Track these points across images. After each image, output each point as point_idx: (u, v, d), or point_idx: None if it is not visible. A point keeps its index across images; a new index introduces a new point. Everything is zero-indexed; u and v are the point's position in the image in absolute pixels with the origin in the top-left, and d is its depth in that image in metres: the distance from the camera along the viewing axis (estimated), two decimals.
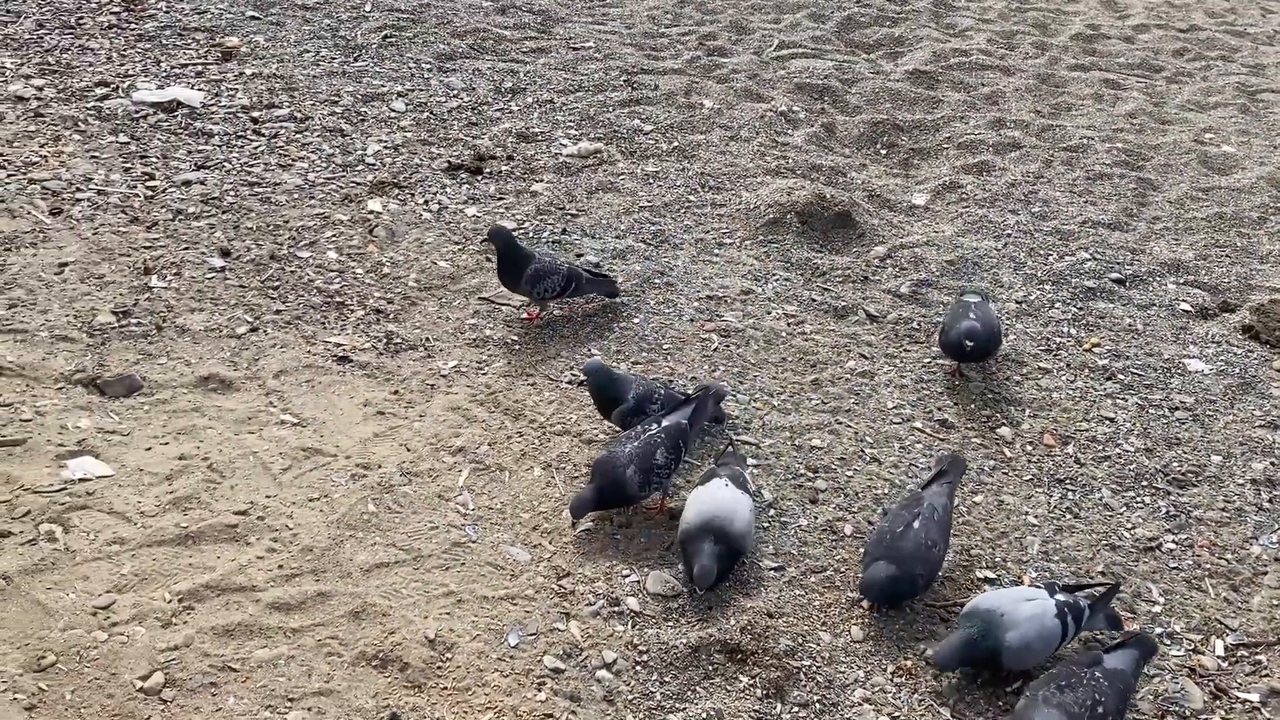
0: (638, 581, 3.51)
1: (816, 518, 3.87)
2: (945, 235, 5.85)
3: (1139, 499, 4.17)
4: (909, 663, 3.34)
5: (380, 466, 3.80)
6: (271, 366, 4.27)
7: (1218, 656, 3.53)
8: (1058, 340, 5.08)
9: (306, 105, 6.40)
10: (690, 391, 4.18)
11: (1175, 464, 4.35)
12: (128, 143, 5.80)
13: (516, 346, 4.61)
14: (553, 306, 4.82)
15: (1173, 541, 3.98)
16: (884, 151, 6.87)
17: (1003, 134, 7.07)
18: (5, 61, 6.45)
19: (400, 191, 5.61)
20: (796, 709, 3.15)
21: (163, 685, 2.93)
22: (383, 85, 6.74)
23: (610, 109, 6.82)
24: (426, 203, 5.54)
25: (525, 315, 4.78)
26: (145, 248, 4.94)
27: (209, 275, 4.80)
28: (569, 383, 4.42)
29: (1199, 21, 9.72)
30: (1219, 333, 5.26)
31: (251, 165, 5.73)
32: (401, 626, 3.19)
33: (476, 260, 5.12)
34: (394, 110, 6.46)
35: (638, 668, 3.21)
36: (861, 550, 3.66)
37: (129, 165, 5.60)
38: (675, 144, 6.51)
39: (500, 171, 5.95)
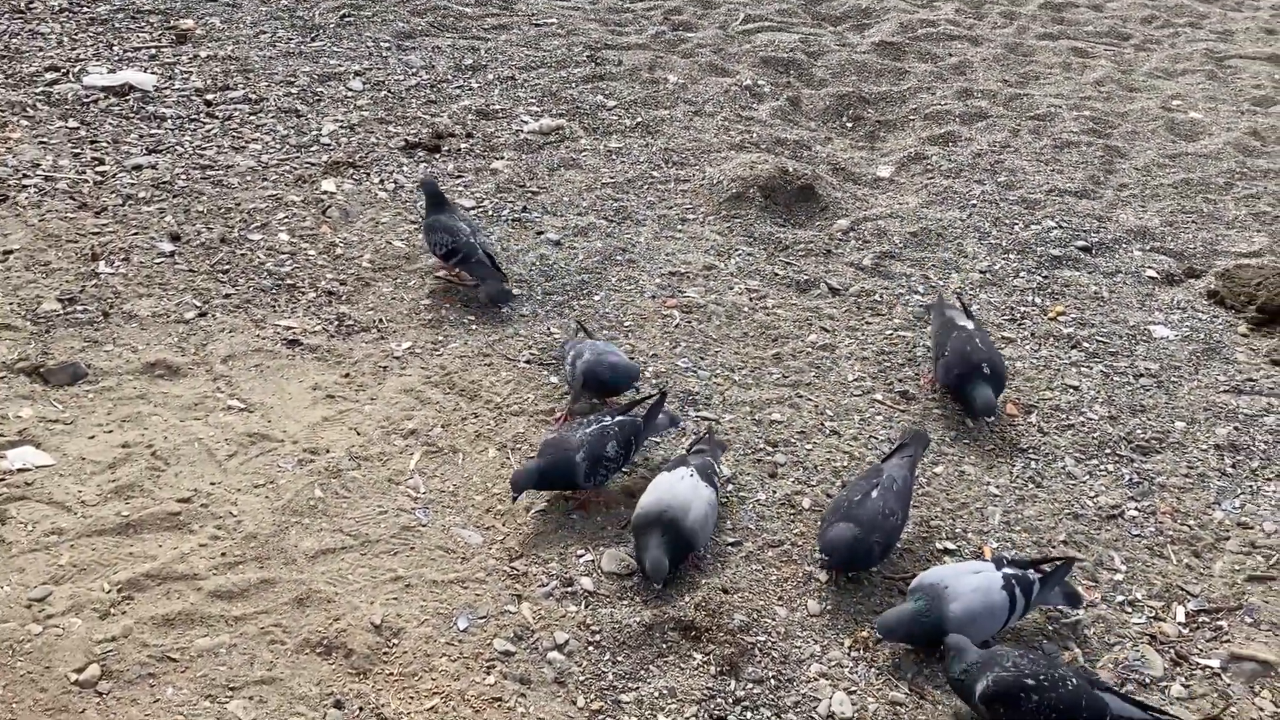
0: (592, 561, 3.46)
1: (775, 492, 3.82)
2: (910, 207, 5.79)
3: (1102, 467, 4.13)
4: (865, 634, 3.30)
5: (329, 451, 3.72)
6: (220, 351, 4.18)
7: (1179, 623, 3.50)
8: (1022, 309, 5.03)
9: (261, 87, 6.28)
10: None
11: (1139, 431, 4.31)
12: (77, 128, 5.68)
13: (474, 326, 4.53)
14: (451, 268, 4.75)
15: (1135, 509, 3.94)
16: (850, 124, 6.79)
17: (969, 104, 7.00)
18: None
19: (355, 171, 5.52)
20: (751, 685, 3.10)
21: (99, 677, 2.86)
22: (340, 65, 6.63)
23: (573, 85, 6.72)
24: (382, 182, 5.45)
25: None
26: (94, 234, 4.84)
27: (158, 260, 4.70)
28: (527, 362, 4.35)
29: None
30: (1184, 299, 5.23)
31: (204, 148, 5.62)
32: (347, 613, 3.12)
33: None
34: (351, 90, 6.35)
35: (590, 648, 3.16)
36: (819, 523, 3.61)
37: (78, 150, 5.48)
38: (639, 119, 6.42)
39: (459, 149, 5.86)
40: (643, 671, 3.11)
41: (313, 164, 5.54)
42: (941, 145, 6.50)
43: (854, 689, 3.14)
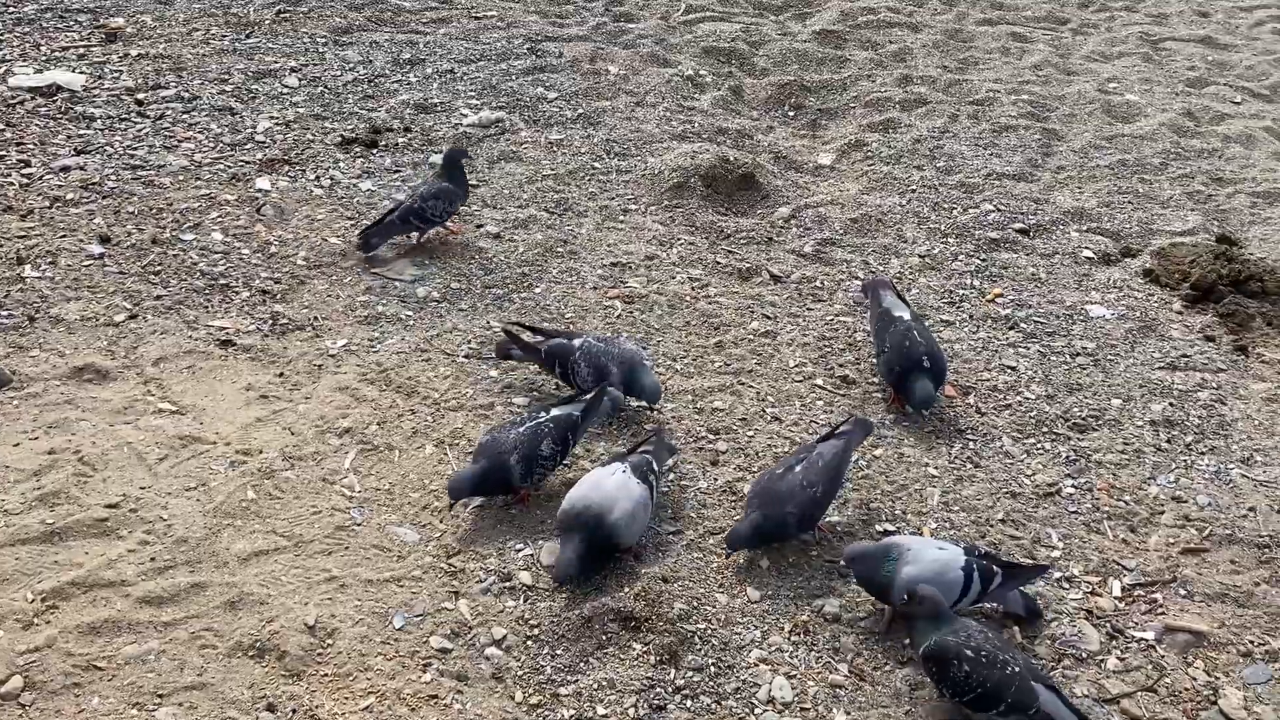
0: (531, 555, 3.43)
1: (716, 479, 3.81)
2: (850, 194, 5.81)
3: (1039, 445, 4.17)
4: (805, 618, 3.30)
5: (261, 452, 3.66)
6: (150, 354, 4.10)
7: (1114, 597, 3.54)
8: (961, 293, 5.07)
9: (195, 85, 6.17)
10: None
11: (1076, 409, 4.36)
12: (2, 129, 5.55)
13: (411, 322, 4.48)
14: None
15: (1072, 486, 3.98)
16: (792, 113, 6.81)
17: (909, 91, 7.04)
18: None
19: (291, 168, 5.44)
20: (690, 673, 3.09)
21: (21, 689, 2.79)
22: (275, 61, 6.53)
23: (513, 77, 6.68)
24: (318, 178, 5.38)
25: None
26: (19, 237, 4.72)
27: (87, 263, 4.60)
28: (465, 356, 4.31)
29: None
30: (1120, 278, 5.29)
31: (135, 148, 5.51)
32: (280, 615, 3.07)
33: None
34: (287, 86, 6.26)
35: (529, 642, 3.13)
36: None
37: (3, 153, 5.36)
38: (580, 111, 6.39)
39: (397, 144, 5.79)
40: (582, 664, 3.09)
41: (247, 162, 5.45)
42: (882, 132, 6.53)
43: (794, 673, 3.14)
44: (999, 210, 5.76)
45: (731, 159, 5.74)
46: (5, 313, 4.24)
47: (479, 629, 3.15)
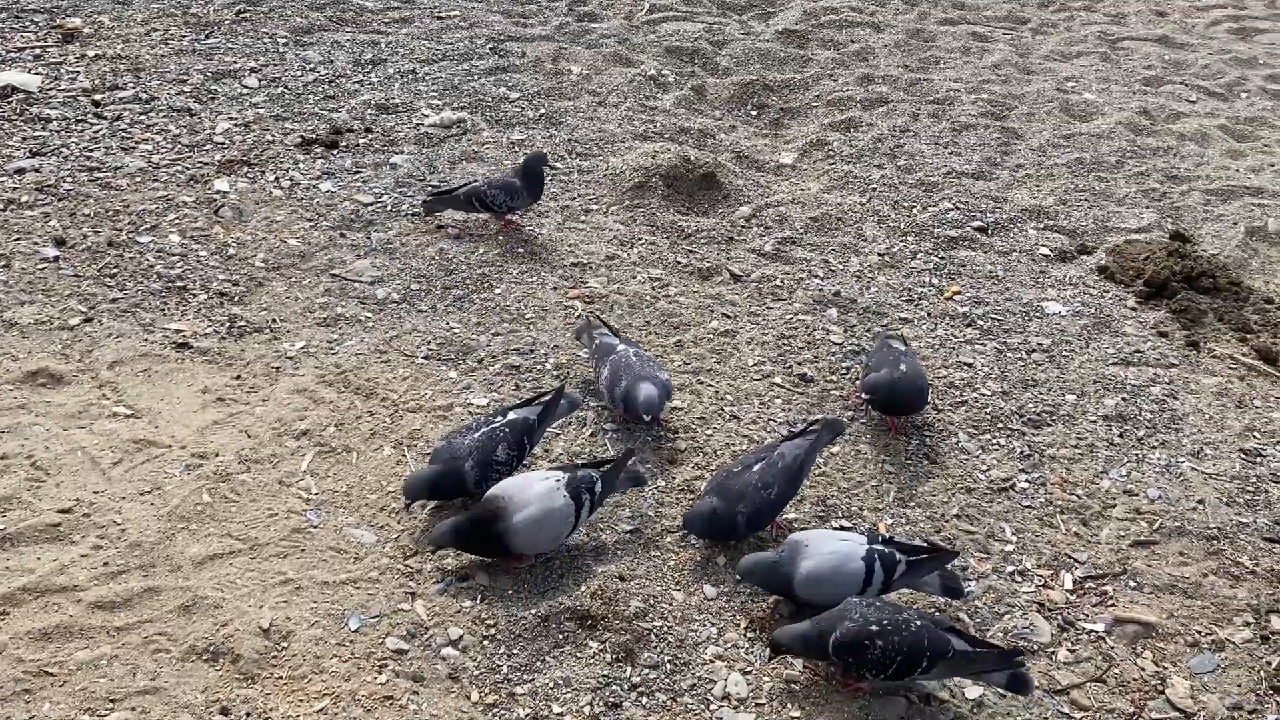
0: None
1: (675, 478, 3.83)
2: (811, 193, 5.85)
3: (994, 441, 4.22)
4: (761, 615, 3.33)
5: (217, 455, 3.65)
6: (106, 357, 4.07)
7: (1066, 590, 3.59)
8: (919, 290, 5.12)
9: (153, 85, 6.12)
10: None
11: (1031, 405, 4.41)
12: None
13: (370, 324, 4.47)
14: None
15: (1026, 481, 4.03)
16: (754, 112, 6.85)
17: (871, 90, 7.10)
18: None
19: (250, 169, 5.41)
20: (647, 670, 3.11)
21: None
22: (235, 62, 6.49)
23: (475, 77, 6.67)
24: (277, 179, 5.35)
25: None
26: None
27: (41, 266, 4.56)
28: (425, 357, 4.31)
29: None
30: (1076, 275, 5.36)
31: (91, 150, 5.46)
32: (235, 618, 3.06)
33: (329, 236, 4.96)
34: (246, 87, 6.22)
35: (485, 642, 3.14)
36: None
37: None
38: (542, 111, 6.40)
39: (358, 145, 5.78)
40: (538, 663, 3.10)
41: (205, 163, 5.41)
42: (843, 131, 6.58)
43: (749, 670, 3.17)
44: (958, 209, 5.82)
45: (692, 158, 5.76)
46: None
47: (435, 630, 3.15)
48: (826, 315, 4.83)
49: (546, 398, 3.79)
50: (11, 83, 5.93)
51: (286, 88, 6.26)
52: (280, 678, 2.94)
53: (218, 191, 5.19)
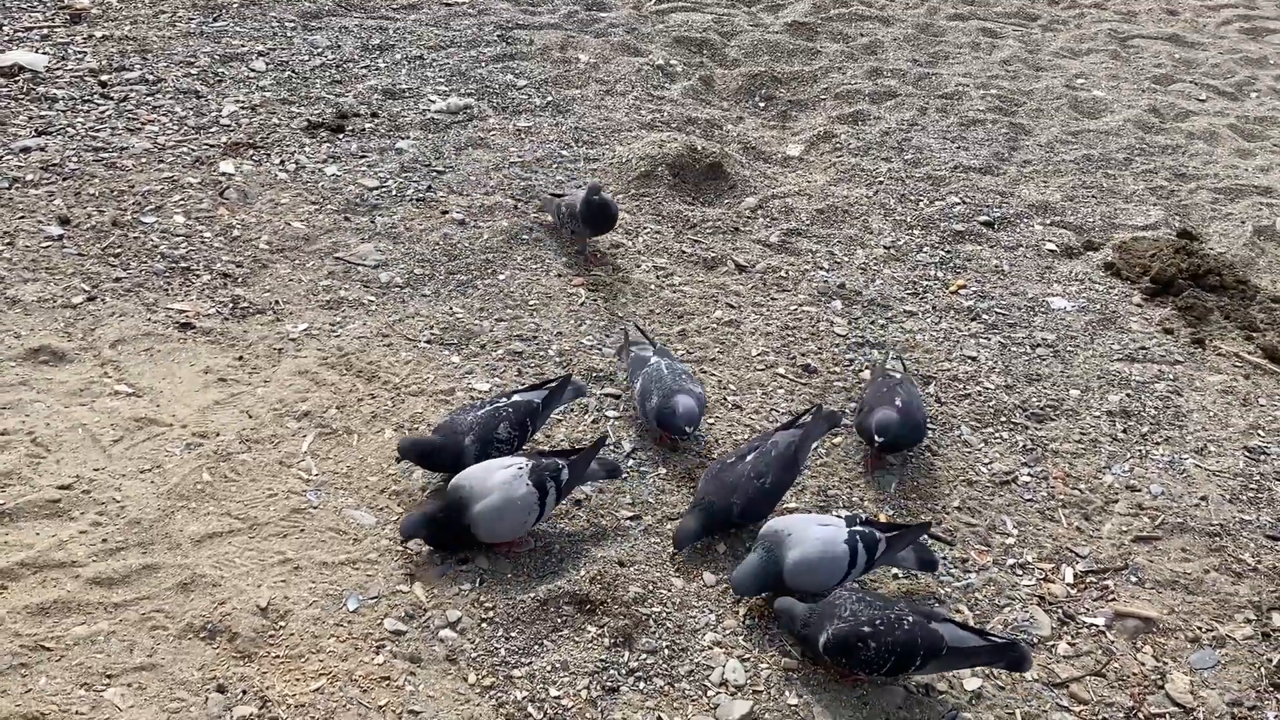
0: None
1: (675, 466, 3.82)
2: (818, 185, 5.83)
3: (997, 434, 4.21)
4: (759, 602, 3.32)
5: (218, 435, 3.64)
6: (108, 336, 4.07)
7: (1067, 584, 3.58)
8: (925, 284, 5.10)
9: (160, 67, 6.11)
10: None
11: (1034, 399, 4.40)
12: None
13: (373, 307, 4.46)
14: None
15: (1028, 474, 4.02)
16: (762, 104, 6.82)
17: (879, 83, 7.07)
18: None
19: (256, 152, 5.40)
20: (644, 656, 3.10)
21: None
22: (243, 45, 6.47)
23: (483, 64, 6.65)
24: (283, 163, 5.34)
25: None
26: None
27: (45, 244, 4.55)
28: (428, 342, 4.30)
29: None
30: (1082, 271, 5.34)
31: (97, 130, 5.45)
32: (232, 596, 3.06)
33: (334, 220, 4.95)
34: (253, 70, 6.21)
35: (484, 625, 3.13)
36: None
37: None
38: (549, 99, 6.38)
39: (364, 129, 5.76)
40: (536, 646, 3.10)
41: (211, 145, 5.40)
42: (851, 124, 6.55)
43: (747, 656, 3.16)
44: (964, 203, 5.80)
45: (699, 148, 5.75)
46: None
47: (434, 611, 3.15)
48: (831, 307, 4.82)
49: (553, 383, 3.78)
50: (19, 62, 5.92)
51: (294, 72, 6.24)
52: (277, 657, 2.94)
53: (223, 173, 5.18)
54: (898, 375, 4.11)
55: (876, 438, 3.71)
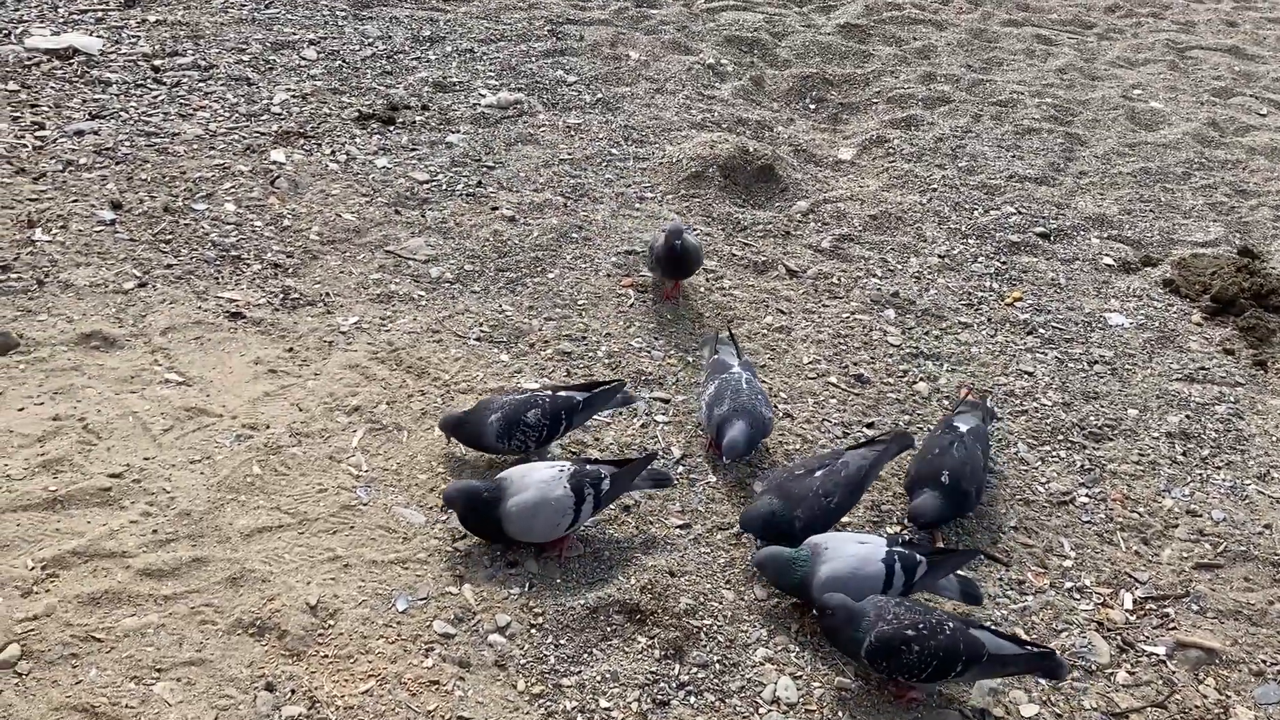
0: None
1: (725, 474, 3.76)
2: (870, 190, 5.74)
3: (1054, 453, 4.12)
4: (812, 618, 3.25)
5: (269, 427, 3.61)
6: (159, 323, 4.05)
7: (1126, 610, 3.49)
8: (979, 295, 5.01)
9: (212, 53, 6.11)
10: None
11: (1092, 418, 4.31)
12: (17, 90, 5.48)
13: (423, 302, 4.43)
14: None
15: (1086, 495, 3.93)
16: (813, 106, 6.74)
17: (933, 88, 6.97)
18: None
19: (306, 142, 5.38)
20: (695, 670, 3.05)
21: (19, 657, 2.74)
22: (294, 33, 6.46)
23: (533, 59, 6.61)
24: (334, 153, 5.32)
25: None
26: (31, 200, 4.67)
27: (98, 229, 4.55)
28: (477, 339, 4.26)
29: None
30: (1140, 287, 5.23)
31: (150, 115, 5.45)
32: (282, 593, 3.03)
33: (384, 213, 4.92)
34: (304, 59, 6.19)
35: (533, 631, 3.09)
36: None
37: (18, 114, 5.29)
38: (599, 96, 6.33)
39: (414, 122, 5.73)
40: (586, 655, 3.05)
41: (262, 133, 5.39)
42: (904, 129, 6.46)
43: (800, 674, 3.10)
44: (1020, 213, 5.70)
45: (751, 150, 5.67)
46: (14, 275, 4.19)
47: (483, 615, 3.10)
48: (884, 316, 4.74)
49: (605, 386, 3.73)
50: (74, 44, 5.93)
51: (344, 61, 6.22)
52: (326, 656, 2.90)
53: (274, 162, 5.16)
54: (962, 429, 3.75)
55: (912, 522, 3.60)
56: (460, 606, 3.12)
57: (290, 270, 4.47)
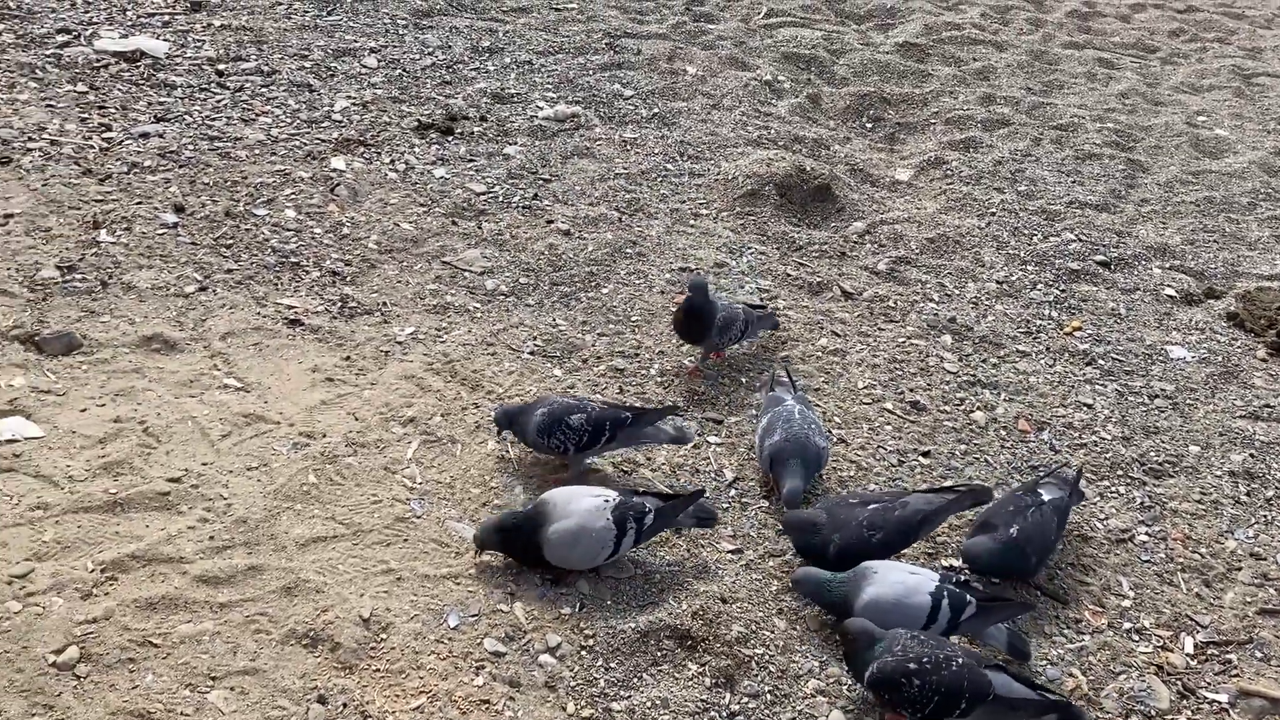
0: None
1: (778, 499, 3.72)
2: (928, 212, 5.69)
3: (1114, 488, 4.04)
4: None
5: (325, 436, 3.63)
6: (219, 328, 4.09)
7: (1186, 654, 3.41)
8: (1038, 323, 4.94)
9: (275, 59, 6.18)
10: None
11: (1153, 453, 4.22)
12: (86, 92, 5.58)
13: (478, 315, 4.44)
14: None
15: (1146, 533, 3.85)
16: (870, 125, 6.69)
17: (992, 110, 6.89)
18: None
19: (366, 150, 5.42)
20: (746, 699, 3.02)
21: (77, 660, 2.77)
22: (355, 41, 6.52)
23: (590, 72, 6.62)
24: (393, 162, 5.35)
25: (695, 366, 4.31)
26: (96, 201, 4.74)
27: (160, 231, 4.61)
28: (531, 353, 4.26)
29: (1197, 2, 9.53)
30: (1203, 319, 5.13)
31: (213, 119, 5.52)
32: (335, 604, 3.04)
33: (441, 223, 4.94)
34: (365, 66, 6.25)
35: (583, 652, 3.07)
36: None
37: (85, 115, 5.38)
38: (655, 110, 6.32)
39: (472, 133, 5.76)
40: (636, 679, 3.03)
41: (323, 140, 5.44)
42: (962, 151, 6.39)
43: (851, 707, 3.05)
44: (1080, 240, 5.61)
45: (808, 169, 5.64)
46: (79, 276, 4.25)
47: (533, 635, 3.09)
48: (940, 341, 4.68)
49: (658, 411, 3.71)
50: (141, 47, 6.03)
51: (405, 70, 6.27)
52: (378, 670, 2.91)
53: (334, 169, 5.20)
54: (1045, 497, 3.57)
55: (964, 562, 3.51)
56: (511, 625, 3.11)
57: (348, 278, 4.50)
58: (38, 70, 5.68)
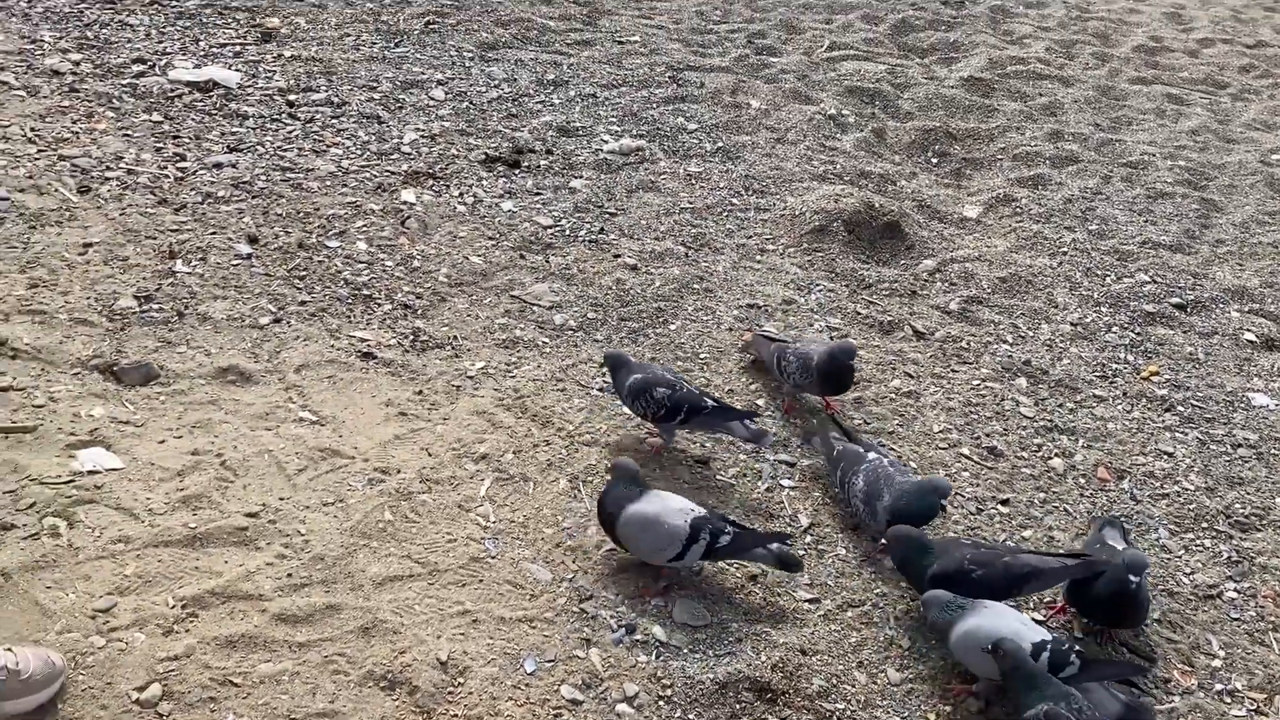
0: (665, 607, 3.32)
1: (855, 549, 3.66)
2: (998, 250, 5.61)
3: (1199, 541, 3.92)
4: (949, 708, 3.13)
5: (399, 472, 3.63)
6: (293, 360, 4.11)
7: None
8: (1114, 367, 4.83)
9: (344, 90, 6.25)
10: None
11: (1238, 505, 4.10)
12: (161, 122, 5.67)
13: (547, 349, 4.43)
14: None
15: (1235, 590, 3.73)
16: (935, 160, 6.63)
17: (1060, 147, 6.80)
18: (44, 34, 6.35)
19: (435, 182, 5.45)
20: None
21: (160, 698, 2.77)
22: (422, 73, 6.58)
23: (654, 105, 6.62)
24: (461, 195, 5.37)
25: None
26: (172, 231, 4.80)
27: (234, 262, 4.65)
28: (600, 390, 4.23)
29: (1267, 38, 9.38)
30: None
31: (285, 150, 5.58)
32: (413, 646, 3.01)
33: (509, 257, 4.95)
34: (433, 99, 6.30)
35: (661, 703, 3.02)
36: (902, 583, 3.46)
37: (161, 145, 5.46)
38: (719, 144, 6.31)
39: (539, 166, 5.77)
40: None
41: (393, 172, 5.48)
42: (1031, 188, 6.31)
43: None
44: (1155, 282, 5.50)
45: (877, 205, 5.59)
46: (156, 306, 4.30)
47: (610, 682, 3.05)
48: (1015, 385, 4.60)
49: (742, 413, 3.88)
50: (214, 78, 6.12)
51: (471, 102, 6.31)
52: (456, 715, 2.87)
53: (404, 202, 5.23)
54: (1120, 544, 3.53)
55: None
56: (588, 672, 3.07)
57: (420, 311, 4.51)
58: (115, 100, 5.78)
